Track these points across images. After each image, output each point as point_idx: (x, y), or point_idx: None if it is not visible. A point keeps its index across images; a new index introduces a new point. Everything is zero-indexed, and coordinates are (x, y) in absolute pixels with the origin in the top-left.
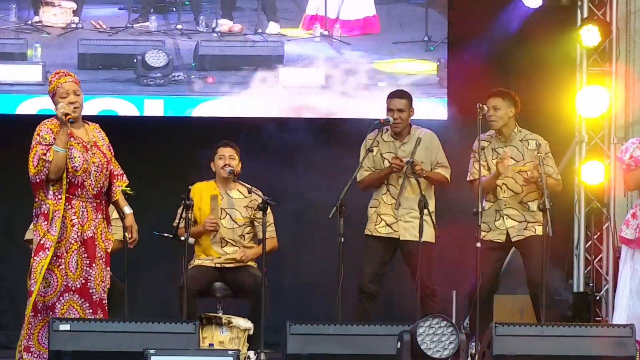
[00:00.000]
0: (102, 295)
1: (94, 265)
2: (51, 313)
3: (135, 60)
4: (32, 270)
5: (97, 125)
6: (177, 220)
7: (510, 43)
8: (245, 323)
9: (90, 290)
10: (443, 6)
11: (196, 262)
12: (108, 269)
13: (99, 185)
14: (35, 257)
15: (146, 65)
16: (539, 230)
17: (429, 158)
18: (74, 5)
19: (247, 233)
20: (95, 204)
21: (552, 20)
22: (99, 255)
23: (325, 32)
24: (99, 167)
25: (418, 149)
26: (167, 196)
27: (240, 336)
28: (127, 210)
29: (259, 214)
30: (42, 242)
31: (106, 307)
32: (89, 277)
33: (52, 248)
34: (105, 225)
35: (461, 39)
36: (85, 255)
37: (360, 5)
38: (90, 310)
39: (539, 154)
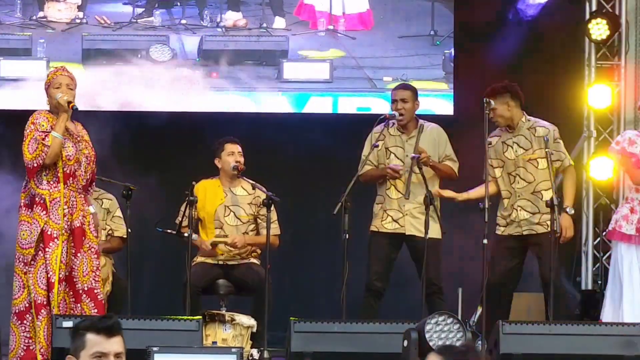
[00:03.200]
0: (93, 284)
1: (78, 255)
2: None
3: (139, 56)
4: (47, 262)
5: (80, 124)
6: (180, 217)
7: (517, 36)
8: (248, 320)
9: (74, 279)
10: (449, 0)
11: (199, 259)
12: (99, 260)
13: (87, 177)
14: (47, 249)
15: (150, 60)
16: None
17: (437, 152)
18: (78, 1)
19: (251, 230)
20: (83, 195)
21: (560, 14)
22: (88, 245)
23: (330, 27)
24: (88, 159)
25: (422, 138)
26: (170, 192)
27: (243, 333)
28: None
29: (263, 211)
30: (48, 232)
31: (99, 296)
32: (73, 267)
33: (60, 236)
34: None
35: (467, 33)
36: (72, 244)
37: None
38: (74, 299)
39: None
